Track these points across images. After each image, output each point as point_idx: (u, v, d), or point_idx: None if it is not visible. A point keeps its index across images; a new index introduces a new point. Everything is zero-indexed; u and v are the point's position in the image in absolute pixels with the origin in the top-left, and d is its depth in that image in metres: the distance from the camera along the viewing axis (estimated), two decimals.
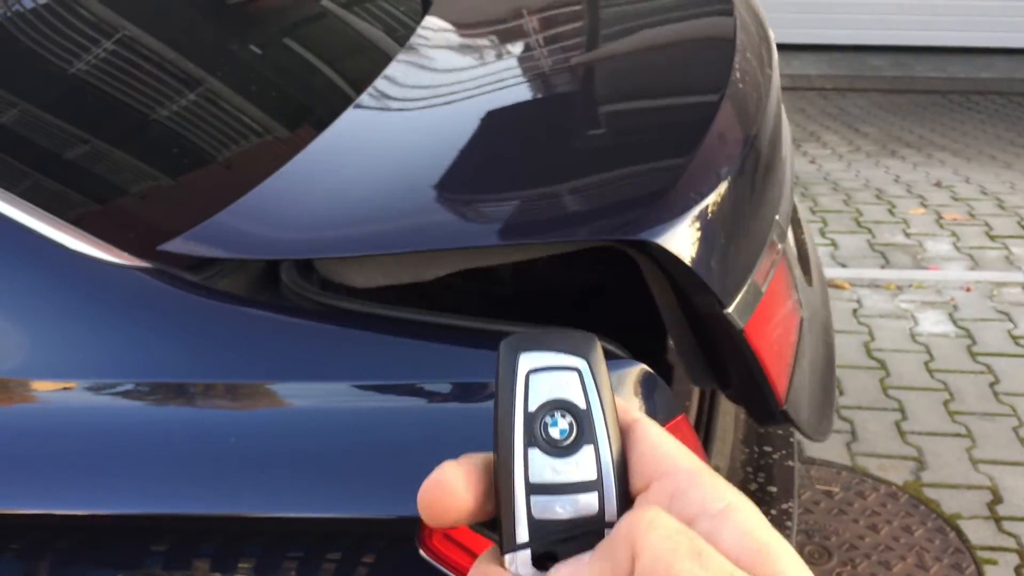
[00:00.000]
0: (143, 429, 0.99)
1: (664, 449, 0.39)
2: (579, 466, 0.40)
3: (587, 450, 0.40)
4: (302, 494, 0.94)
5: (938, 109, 7.07)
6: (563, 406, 0.40)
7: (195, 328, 1.05)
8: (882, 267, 4.05)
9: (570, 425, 0.40)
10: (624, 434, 0.41)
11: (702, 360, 1.13)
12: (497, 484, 0.40)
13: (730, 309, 1.02)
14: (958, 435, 2.87)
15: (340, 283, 1.10)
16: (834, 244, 4.29)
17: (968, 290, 3.79)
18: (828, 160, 5.63)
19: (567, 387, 0.41)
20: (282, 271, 1.16)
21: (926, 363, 3.27)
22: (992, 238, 4.34)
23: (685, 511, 0.36)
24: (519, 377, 0.41)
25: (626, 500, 0.40)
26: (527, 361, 0.41)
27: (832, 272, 3.98)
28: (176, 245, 1.05)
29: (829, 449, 2.79)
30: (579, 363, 0.41)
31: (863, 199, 4.87)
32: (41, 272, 1.03)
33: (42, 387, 1.01)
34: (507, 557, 0.40)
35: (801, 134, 6.25)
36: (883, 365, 3.26)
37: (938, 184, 5.09)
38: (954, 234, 4.38)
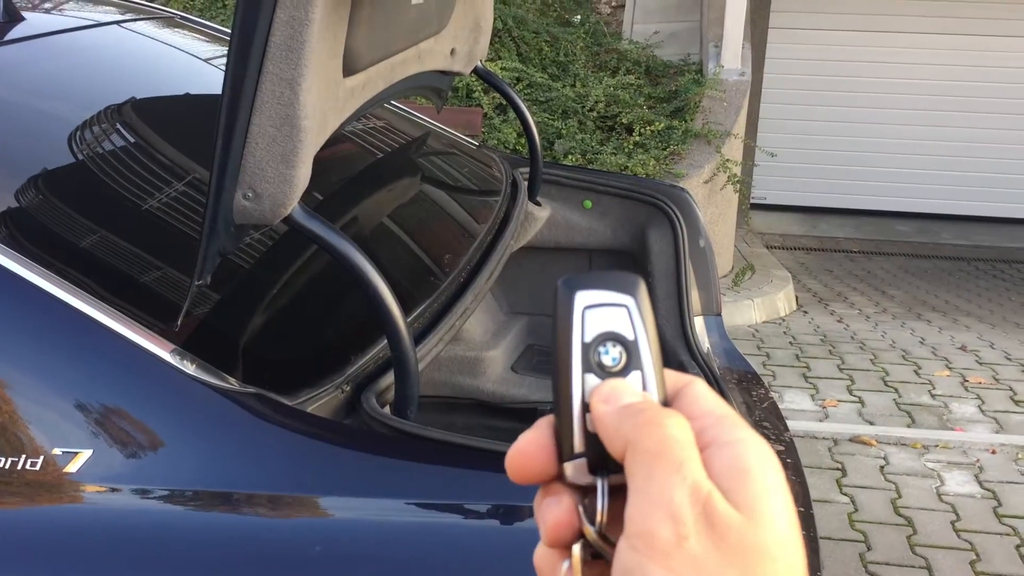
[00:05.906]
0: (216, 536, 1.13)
1: (705, 399, 0.45)
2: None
3: (635, 375, 0.45)
4: None
5: (963, 275, 7.23)
6: (614, 337, 0.45)
7: (286, 446, 1.21)
8: (908, 426, 4.13)
9: (620, 353, 0.45)
10: (678, 390, 0.47)
11: None
12: (557, 403, 0.45)
13: None
14: None
15: None
16: (861, 402, 4.38)
17: (993, 452, 3.86)
18: (855, 320, 5.77)
19: (618, 321, 0.45)
20: (363, 399, 1.32)
21: (952, 522, 3.32)
22: (1017, 403, 4.42)
23: (703, 440, 0.43)
24: (576, 312, 0.45)
25: None
26: (583, 298, 0.45)
27: (859, 429, 4.07)
28: None
29: None
30: (628, 300, 0.45)
31: (889, 359, 4.98)
32: (166, 393, 1.19)
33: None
34: (566, 465, 0.45)
35: (829, 294, 6.42)
36: (910, 523, 3.31)
37: (963, 348, 5.20)
38: (979, 397, 4.47)
